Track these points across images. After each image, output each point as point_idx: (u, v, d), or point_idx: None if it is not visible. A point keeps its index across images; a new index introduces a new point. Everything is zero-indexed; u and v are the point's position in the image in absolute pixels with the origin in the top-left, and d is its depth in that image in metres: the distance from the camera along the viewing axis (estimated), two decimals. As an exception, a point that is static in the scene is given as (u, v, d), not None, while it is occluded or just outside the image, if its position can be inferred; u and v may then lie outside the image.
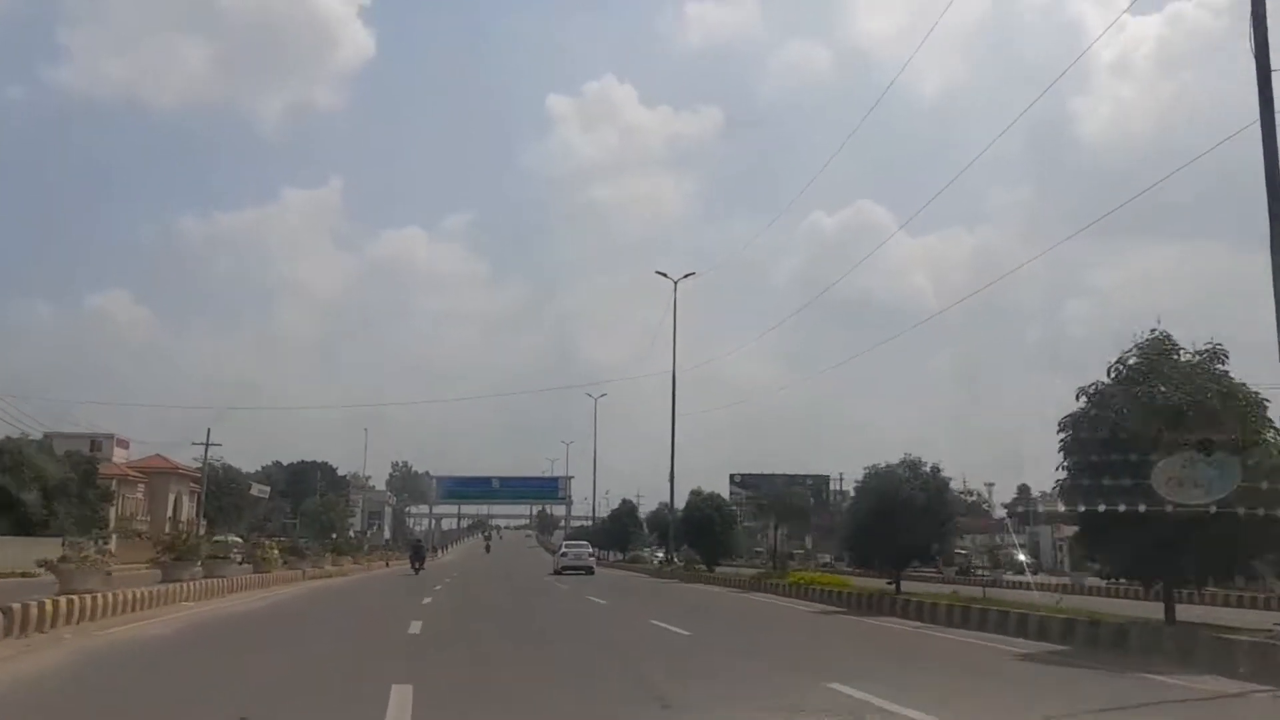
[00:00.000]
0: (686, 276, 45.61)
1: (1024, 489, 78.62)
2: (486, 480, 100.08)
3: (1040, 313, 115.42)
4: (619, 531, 67.16)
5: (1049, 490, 16.37)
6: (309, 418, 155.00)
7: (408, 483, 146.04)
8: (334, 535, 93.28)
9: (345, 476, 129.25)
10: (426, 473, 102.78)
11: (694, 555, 47.54)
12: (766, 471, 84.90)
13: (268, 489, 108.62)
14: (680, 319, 46.90)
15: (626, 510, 66.52)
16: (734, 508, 51.30)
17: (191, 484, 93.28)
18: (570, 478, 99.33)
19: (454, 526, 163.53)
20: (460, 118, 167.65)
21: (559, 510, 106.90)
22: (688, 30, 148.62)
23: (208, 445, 71.38)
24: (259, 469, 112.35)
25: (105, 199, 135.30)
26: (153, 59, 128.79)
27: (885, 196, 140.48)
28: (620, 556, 69.51)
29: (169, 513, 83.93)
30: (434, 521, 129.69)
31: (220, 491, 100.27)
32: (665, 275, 44.91)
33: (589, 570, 45.17)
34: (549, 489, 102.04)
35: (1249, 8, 13.24)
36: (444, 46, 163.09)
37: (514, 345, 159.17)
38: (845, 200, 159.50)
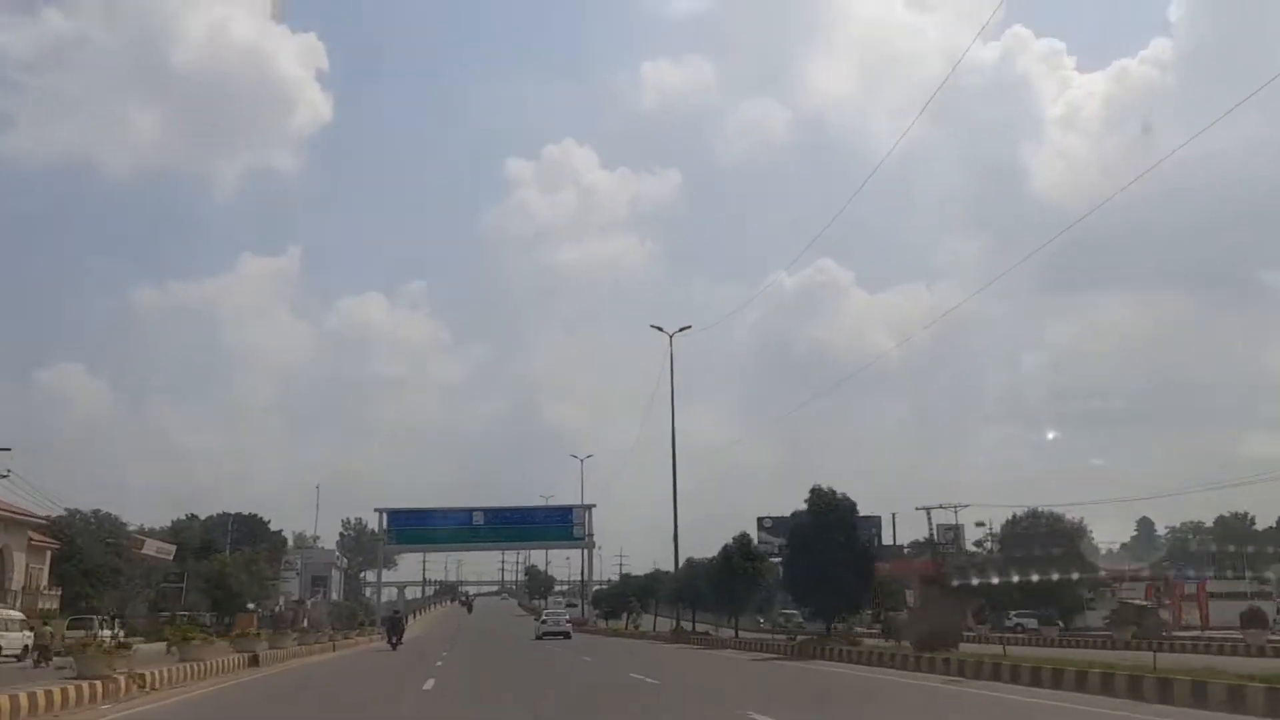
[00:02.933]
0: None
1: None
2: (463, 515, 67.87)
3: (999, 363, 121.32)
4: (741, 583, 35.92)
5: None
6: (258, 482, 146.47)
7: (362, 543, 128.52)
8: (251, 606, 64.07)
9: (280, 534, 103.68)
10: (376, 518, 69.31)
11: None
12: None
13: (172, 548, 78.87)
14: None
15: (740, 548, 34.93)
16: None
17: (32, 537, 63.56)
18: (591, 507, 68.67)
19: (416, 595, 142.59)
20: (419, 181, 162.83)
21: (559, 563, 77.56)
22: (645, 91, 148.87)
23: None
24: (169, 524, 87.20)
25: (57, 269, 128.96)
26: (104, 125, 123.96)
27: (845, 254, 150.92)
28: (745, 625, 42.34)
29: (-11, 579, 54.49)
30: (383, 592, 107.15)
31: (93, 550, 70.71)
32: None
33: (566, 635, 48.01)
34: (557, 525, 67.75)
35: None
36: (402, 110, 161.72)
37: (477, 409, 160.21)
38: (806, 259, 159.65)
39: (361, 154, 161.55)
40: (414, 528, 66.99)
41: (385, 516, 66.87)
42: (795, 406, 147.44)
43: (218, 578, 77.29)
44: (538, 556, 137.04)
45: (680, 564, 51.66)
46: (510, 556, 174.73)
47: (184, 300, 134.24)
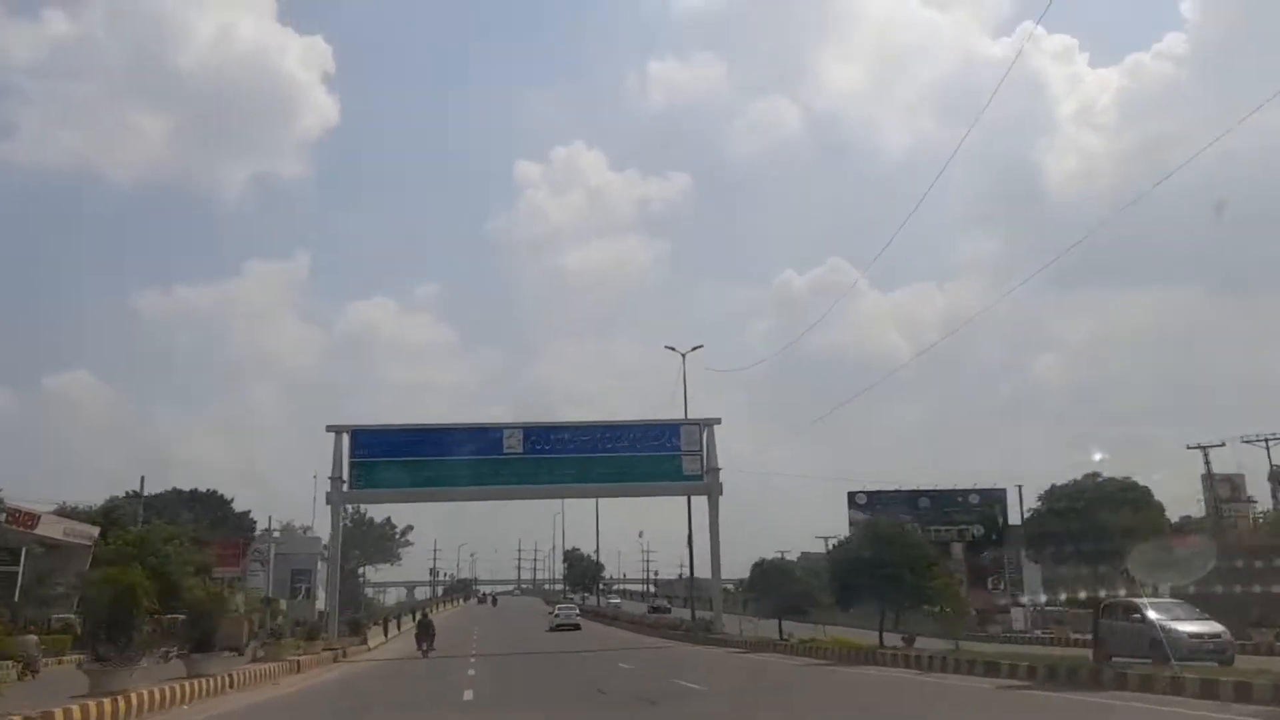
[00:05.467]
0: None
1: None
2: (485, 437, 38.28)
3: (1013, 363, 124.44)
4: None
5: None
6: (259, 485, 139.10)
7: (362, 533, 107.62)
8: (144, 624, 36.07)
9: (248, 515, 77.20)
10: (333, 445, 38.53)
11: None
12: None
13: (94, 530, 51.01)
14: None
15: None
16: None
17: None
18: (712, 423, 38.30)
19: (423, 595, 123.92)
20: (428, 185, 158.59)
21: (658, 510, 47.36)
22: (652, 91, 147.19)
23: None
24: (106, 499, 59.85)
25: (63, 276, 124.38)
26: (108, 130, 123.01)
27: (855, 253, 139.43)
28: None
29: None
30: (390, 592, 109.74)
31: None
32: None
33: (576, 626, 52.08)
34: (653, 452, 38.56)
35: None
36: (410, 113, 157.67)
37: (488, 412, 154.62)
38: (817, 259, 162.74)
39: (369, 157, 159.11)
40: (399, 461, 36.53)
41: (348, 441, 36.82)
42: (839, 403, 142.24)
43: (117, 563, 46.87)
44: (577, 533, 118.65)
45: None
46: (534, 539, 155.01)
47: (191, 305, 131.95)
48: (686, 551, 44.22)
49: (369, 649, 39.61)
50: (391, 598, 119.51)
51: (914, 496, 66.55)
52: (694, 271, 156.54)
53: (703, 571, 44.73)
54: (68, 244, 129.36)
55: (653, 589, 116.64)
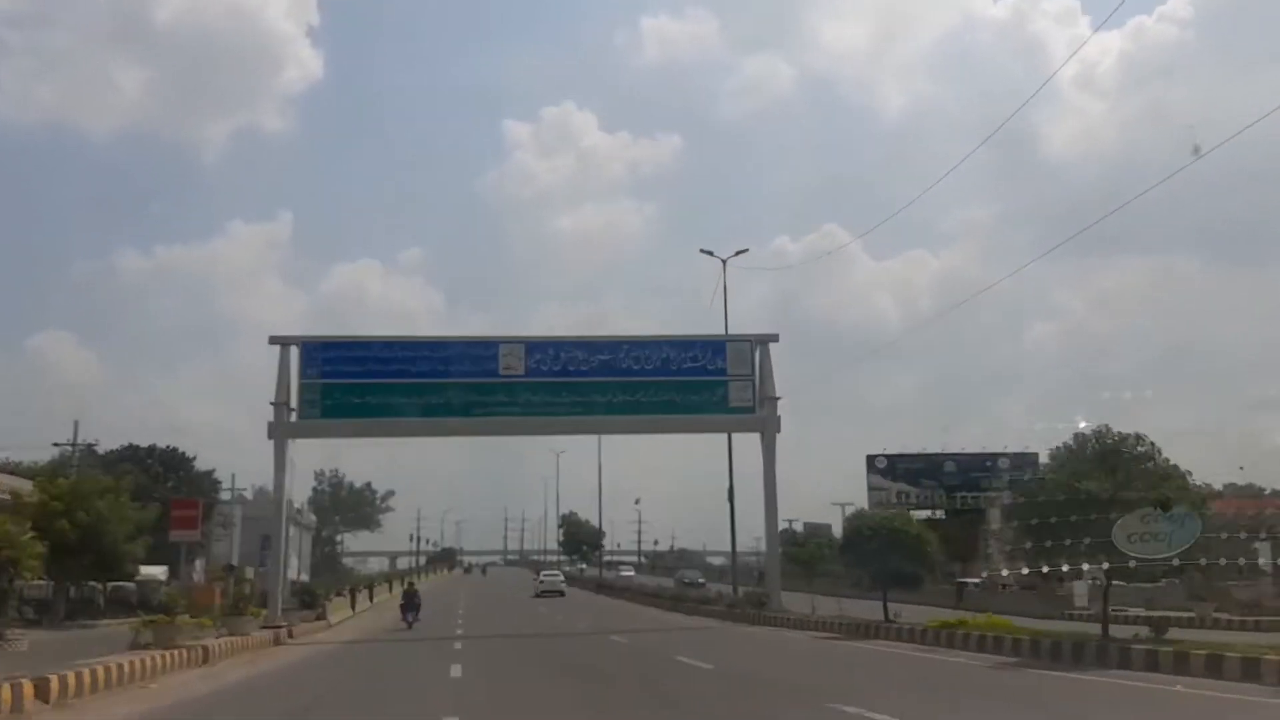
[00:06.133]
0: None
1: None
2: (475, 353, 29.30)
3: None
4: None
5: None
6: (239, 452, 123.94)
7: (341, 499, 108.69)
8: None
9: (212, 474, 69.79)
10: (277, 359, 29.26)
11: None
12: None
13: (27, 484, 42.97)
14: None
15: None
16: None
17: None
18: (767, 340, 30.21)
19: (405, 565, 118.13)
20: (414, 143, 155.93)
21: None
22: (645, 49, 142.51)
23: None
24: (56, 454, 54.62)
25: (40, 233, 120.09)
26: (86, 85, 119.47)
27: (850, 218, 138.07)
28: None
29: None
30: (370, 561, 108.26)
31: None
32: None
33: (561, 593, 54.98)
34: (690, 377, 29.40)
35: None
36: (396, 68, 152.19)
37: None
38: (811, 224, 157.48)
39: (354, 114, 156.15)
40: (361, 384, 28.42)
41: (297, 356, 28.69)
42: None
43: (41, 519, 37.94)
44: (569, 499, 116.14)
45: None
46: (523, 506, 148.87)
47: (171, 264, 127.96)
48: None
49: (328, 626, 31.68)
50: (372, 567, 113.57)
51: (939, 461, 64.00)
52: (686, 235, 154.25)
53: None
54: (42, 199, 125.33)
55: (643, 560, 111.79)
